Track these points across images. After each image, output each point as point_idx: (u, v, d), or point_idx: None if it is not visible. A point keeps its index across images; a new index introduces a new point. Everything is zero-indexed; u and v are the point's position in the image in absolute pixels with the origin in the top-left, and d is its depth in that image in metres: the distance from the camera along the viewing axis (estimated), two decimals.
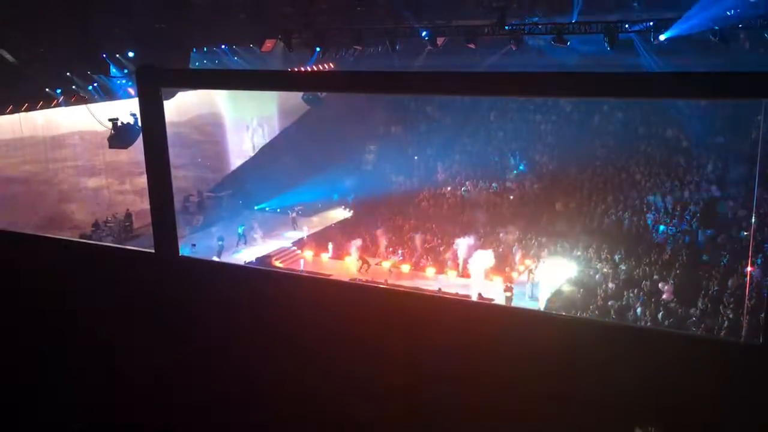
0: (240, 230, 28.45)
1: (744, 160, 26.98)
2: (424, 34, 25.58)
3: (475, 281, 24.16)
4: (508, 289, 23.04)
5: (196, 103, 31.96)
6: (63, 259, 2.73)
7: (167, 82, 2.49)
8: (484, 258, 24.47)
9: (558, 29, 23.34)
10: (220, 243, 27.39)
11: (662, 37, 22.20)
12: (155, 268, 2.51)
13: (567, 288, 23.28)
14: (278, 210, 32.10)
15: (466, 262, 25.27)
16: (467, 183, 31.51)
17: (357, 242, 26.52)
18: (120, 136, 21.84)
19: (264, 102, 34.84)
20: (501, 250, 25.93)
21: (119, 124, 21.70)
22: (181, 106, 29.79)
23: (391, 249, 27.32)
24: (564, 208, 28.25)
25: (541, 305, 22.43)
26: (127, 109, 21.73)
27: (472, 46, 24.81)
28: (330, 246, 27.68)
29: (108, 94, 24.83)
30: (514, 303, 22.64)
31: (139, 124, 2.37)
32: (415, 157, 34.07)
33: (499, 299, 22.65)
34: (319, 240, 28.94)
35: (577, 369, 1.91)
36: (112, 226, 28.29)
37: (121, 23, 23.01)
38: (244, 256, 27.41)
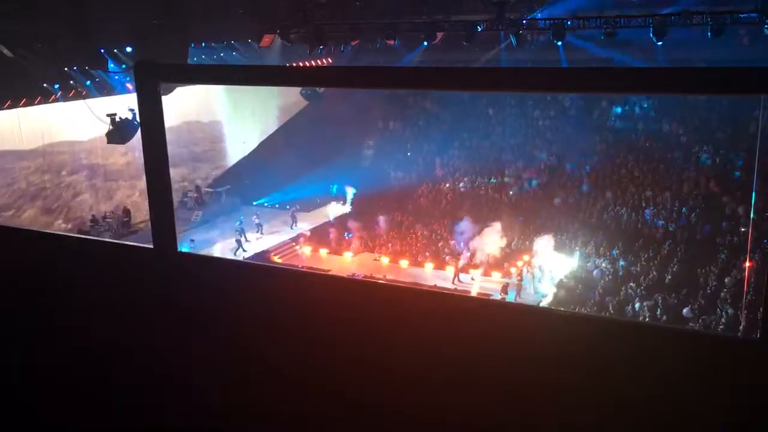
0: (238, 224, 28.35)
1: (742, 155, 27.01)
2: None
3: (475, 277, 24.23)
4: (503, 290, 23.17)
5: (194, 98, 31.90)
6: (60, 254, 2.73)
7: (166, 77, 2.49)
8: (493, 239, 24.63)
9: (557, 25, 23.33)
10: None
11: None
12: (154, 264, 2.51)
13: (565, 283, 23.34)
14: (277, 205, 32.07)
15: (466, 257, 25.32)
16: (465, 178, 31.52)
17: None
18: (118, 131, 21.81)
19: (262, 97, 34.78)
20: (500, 246, 25.96)
21: (117, 119, 21.67)
22: (180, 101, 29.74)
23: (390, 244, 27.36)
24: (563, 204, 28.28)
25: (539, 300, 22.49)
26: (125, 104, 21.69)
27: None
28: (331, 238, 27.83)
29: (106, 89, 24.77)
30: (511, 299, 22.77)
31: (138, 119, 2.37)
32: (408, 153, 34.05)
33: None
34: (317, 235, 28.96)
35: (575, 365, 1.92)
36: (110, 222, 28.27)
37: (119, 18, 22.95)
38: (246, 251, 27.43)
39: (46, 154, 27.49)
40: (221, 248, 26.80)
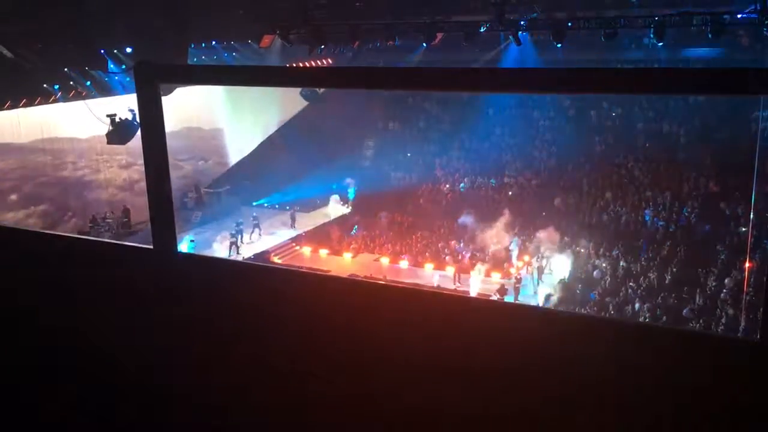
0: (236, 226, 28.33)
1: (742, 155, 26.97)
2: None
3: (474, 277, 24.24)
4: (501, 293, 23.20)
5: (193, 98, 31.90)
6: (59, 255, 2.73)
7: (165, 78, 2.48)
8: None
9: (556, 25, 23.35)
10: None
11: None
12: (153, 265, 2.51)
13: (565, 283, 23.34)
14: (276, 206, 32.05)
15: (465, 257, 25.32)
16: (465, 179, 31.51)
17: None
18: (118, 131, 21.85)
19: (262, 98, 34.79)
20: (499, 246, 25.97)
21: (117, 120, 21.70)
22: (179, 102, 29.74)
23: (390, 245, 27.37)
24: (563, 204, 28.27)
25: (540, 301, 22.49)
26: (125, 105, 21.71)
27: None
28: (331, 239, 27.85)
29: (106, 89, 24.77)
30: (511, 299, 22.78)
31: (137, 119, 2.38)
32: (408, 154, 34.04)
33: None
34: (317, 236, 28.95)
35: (574, 365, 1.92)
36: (110, 222, 28.27)
37: (119, 18, 22.96)
38: (244, 251, 27.45)
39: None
40: (221, 249, 26.80)
